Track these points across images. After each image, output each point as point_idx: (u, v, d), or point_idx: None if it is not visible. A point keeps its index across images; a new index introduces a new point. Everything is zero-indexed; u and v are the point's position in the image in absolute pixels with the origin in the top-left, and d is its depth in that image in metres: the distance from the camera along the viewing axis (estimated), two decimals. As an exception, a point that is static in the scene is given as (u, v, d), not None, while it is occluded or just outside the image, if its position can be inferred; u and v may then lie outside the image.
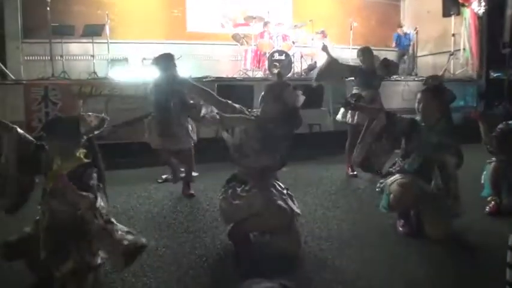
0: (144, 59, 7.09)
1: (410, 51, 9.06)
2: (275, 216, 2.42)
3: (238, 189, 2.54)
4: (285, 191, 2.61)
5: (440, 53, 8.80)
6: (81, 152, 2.10)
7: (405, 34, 9.08)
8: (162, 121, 3.88)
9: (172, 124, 3.86)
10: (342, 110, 4.77)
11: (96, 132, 2.18)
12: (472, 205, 3.28)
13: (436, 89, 3.04)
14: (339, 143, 4.87)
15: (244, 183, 2.56)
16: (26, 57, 7.51)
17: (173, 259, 2.53)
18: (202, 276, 2.31)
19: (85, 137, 2.16)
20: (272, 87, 2.62)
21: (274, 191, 2.53)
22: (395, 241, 2.77)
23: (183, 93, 3.82)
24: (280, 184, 2.65)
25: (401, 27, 9.17)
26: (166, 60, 3.94)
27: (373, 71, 4.68)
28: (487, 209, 3.31)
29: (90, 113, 2.19)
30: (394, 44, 9.11)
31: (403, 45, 9.07)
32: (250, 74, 7.71)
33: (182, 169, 4.17)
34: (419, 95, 2.96)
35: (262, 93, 2.62)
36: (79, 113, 2.22)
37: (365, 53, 4.74)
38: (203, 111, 3.22)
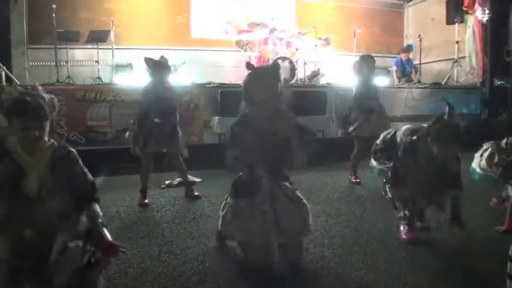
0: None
1: (413, 78, 8.40)
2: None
3: None
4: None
5: (443, 60, 8.80)
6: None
7: (408, 60, 8.51)
8: (160, 125, 3.78)
9: (167, 128, 3.82)
10: (343, 123, 4.71)
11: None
12: (475, 213, 3.28)
13: None
14: (342, 150, 4.86)
15: None
16: (31, 63, 7.59)
17: (176, 265, 2.53)
18: (205, 283, 2.31)
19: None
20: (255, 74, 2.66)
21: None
22: (398, 249, 2.76)
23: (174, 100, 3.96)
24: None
25: (405, 52, 8.56)
26: (163, 67, 3.94)
27: (372, 80, 4.66)
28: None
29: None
30: (394, 69, 8.55)
31: (405, 72, 8.51)
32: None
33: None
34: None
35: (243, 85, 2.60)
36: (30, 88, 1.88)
37: (369, 61, 4.65)
38: None
